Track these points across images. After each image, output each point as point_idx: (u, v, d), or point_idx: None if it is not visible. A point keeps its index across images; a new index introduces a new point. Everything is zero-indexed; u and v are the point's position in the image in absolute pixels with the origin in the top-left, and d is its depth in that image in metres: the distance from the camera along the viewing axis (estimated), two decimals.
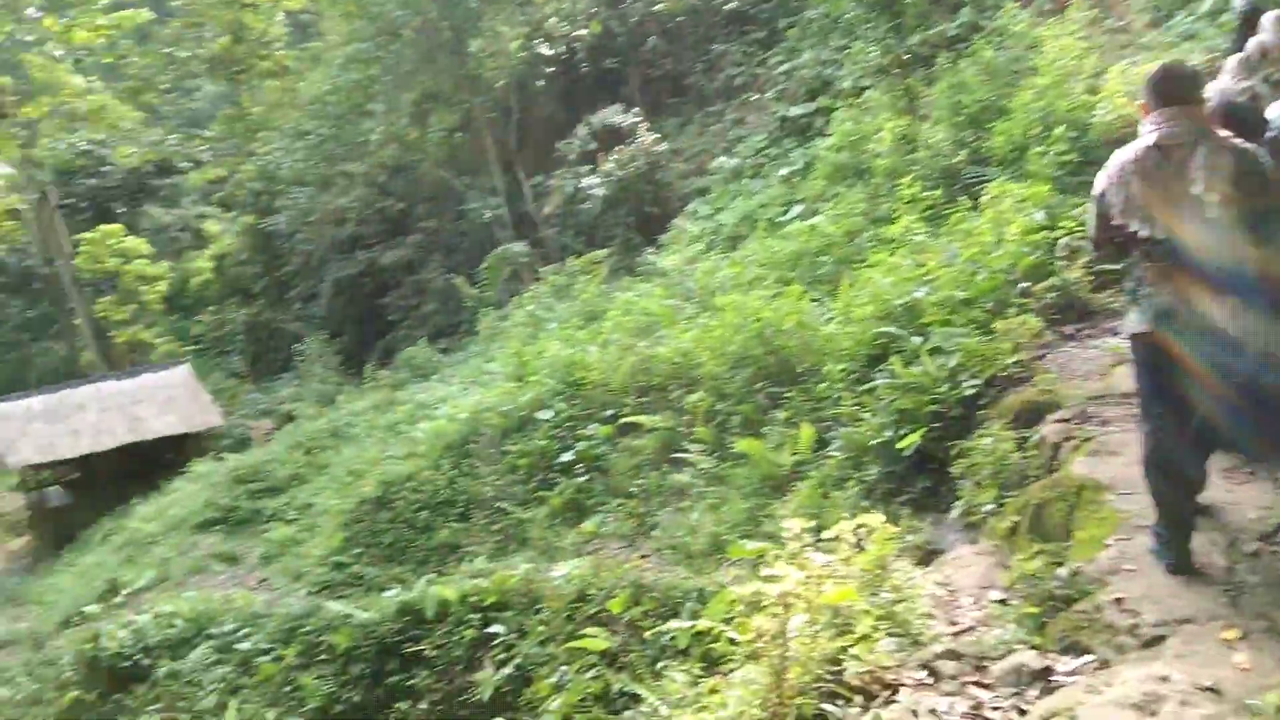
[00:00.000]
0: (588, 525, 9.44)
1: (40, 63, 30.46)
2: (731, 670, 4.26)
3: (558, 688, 6.62)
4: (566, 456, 10.55)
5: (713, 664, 5.70)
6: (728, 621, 5.76)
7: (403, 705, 8.20)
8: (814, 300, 10.18)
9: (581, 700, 6.17)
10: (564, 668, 6.77)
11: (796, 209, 14.95)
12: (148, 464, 19.41)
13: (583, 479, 10.18)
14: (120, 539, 14.65)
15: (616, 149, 21.91)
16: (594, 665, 6.64)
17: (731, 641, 4.75)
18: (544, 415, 11.31)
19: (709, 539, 7.87)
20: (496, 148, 24.92)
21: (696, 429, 9.44)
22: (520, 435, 11.29)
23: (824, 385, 8.44)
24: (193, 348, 32.00)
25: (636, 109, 22.93)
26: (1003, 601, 4.33)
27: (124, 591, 11.46)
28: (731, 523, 7.84)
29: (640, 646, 6.58)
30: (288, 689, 8.81)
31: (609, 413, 10.85)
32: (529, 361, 12.86)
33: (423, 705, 8.15)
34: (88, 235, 30.66)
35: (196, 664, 9.27)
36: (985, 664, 3.72)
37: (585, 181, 22.11)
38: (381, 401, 16.85)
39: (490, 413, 11.70)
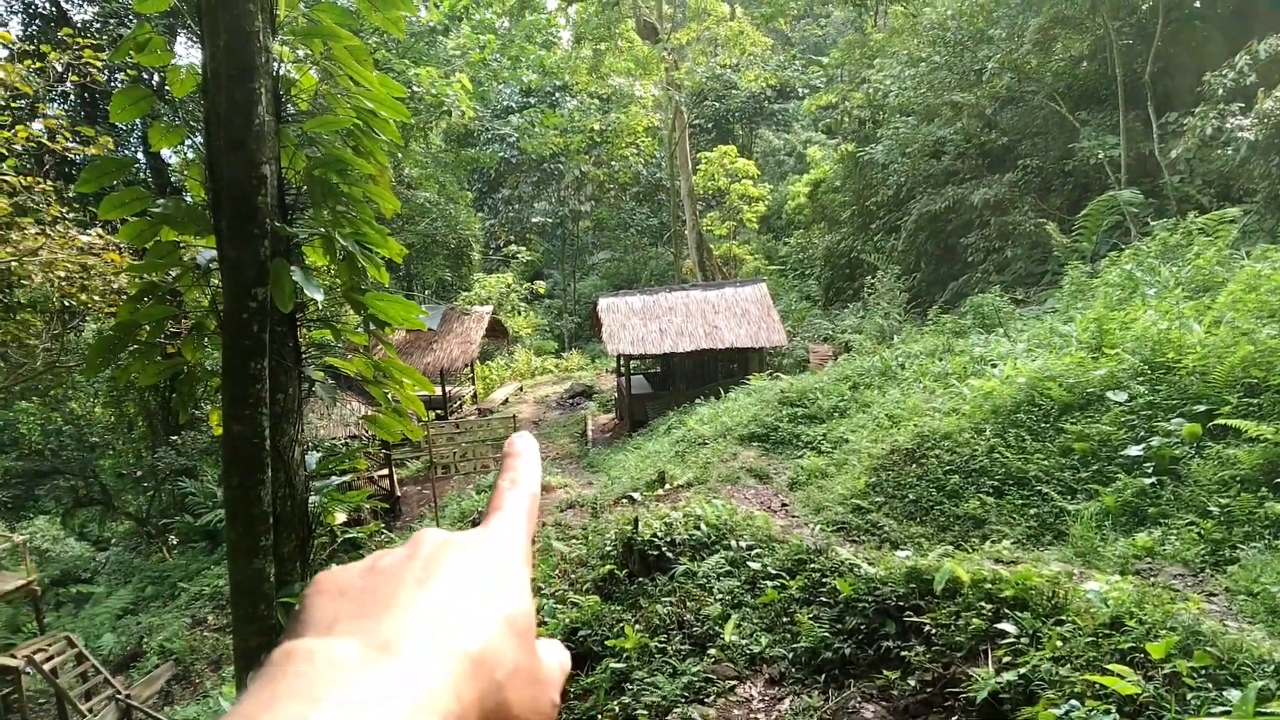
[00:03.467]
0: (1144, 538, 7.84)
1: None
2: None
3: None
4: (1134, 450, 8.88)
5: None
6: None
7: (891, 674, 7.70)
8: None
9: None
10: (1074, 702, 5.68)
11: None
12: (716, 369, 21.08)
13: (1149, 481, 8.49)
14: (679, 434, 16.07)
15: None
16: (1110, 711, 5.46)
17: None
18: (1116, 396, 9.65)
19: None
20: (1125, 80, 21.82)
21: None
22: (1082, 415, 9.79)
23: None
24: (777, 267, 34.01)
25: None
26: None
27: (669, 484, 12.49)
28: None
29: (1178, 709, 5.23)
30: (785, 619, 8.84)
31: (1200, 409, 8.88)
32: (1111, 330, 11.07)
33: (911, 681, 7.56)
34: (707, 154, 33.88)
35: (710, 570, 9.70)
36: None
37: (1232, 122, 18.33)
38: (938, 347, 16.01)
39: (1053, 382, 10.31)
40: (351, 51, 5.22)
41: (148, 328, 5.90)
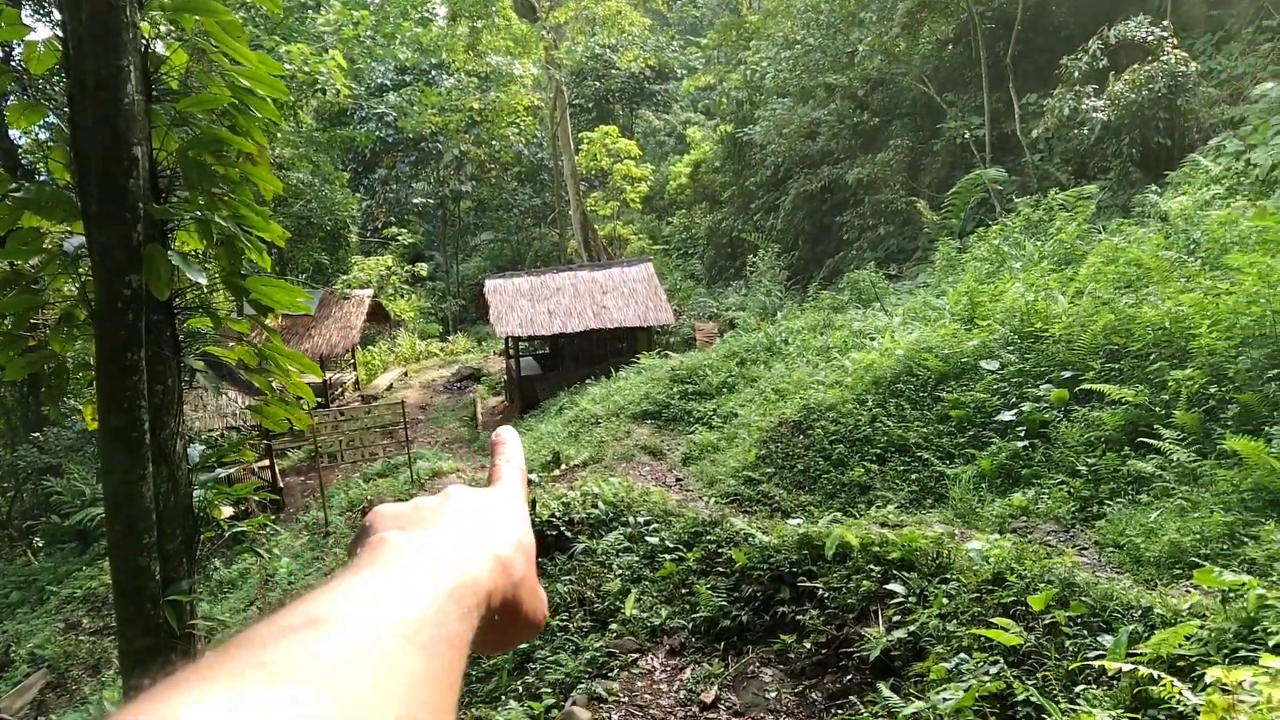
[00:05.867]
0: (1018, 497, 8.30)
1: None
2: None
3: (952, 675, 5.87)
4: (1007, 415, 9.38)
5: (1142, 706, 4.62)
6: (1175, 668, 4.61)
7: (787, 638, 7.95)
8: None
9: (978, 699, 5.36)
10: (963, 655, 5.98)
11: None
12: (605, 349, 21.15)
13: (1022, 444, 8.98)
14: (571, 414, 16.08)
15: (1131, 68, 18.85)
16: (998, 662, 5.78)
17: (1179, 696, 3.69)
18: (989, 365, 10.16)
19: (1169, 548, 6.45)
20: (989, 62, 22.80)
21: (1177, 412, 7.81)
22: (957, 383, 10.27)
23: None
24: (660, 247, 34.26)
25: (1166, 22, 19.48)
26: None
27: (565, 465, 12.51)
28: (1202, 535, 6.35)
29: (1057, 656, 5.58)
30: (684, 591, 9.00)
31: (1067, 374, 9.43)
32: (982, 303, 11.62)
33: (807, 644, 7.82)
34: (588, 134, 33.76)
35: (610, 547, 9.78)
36: None
37: (1086, 103, 19.37)
38: (818, 323, 16.49)
39: (929, 354, 10.76)
40: (226, 27, 4.98)
41: (11, 319, 5.53)
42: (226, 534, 8.26)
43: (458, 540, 0.59)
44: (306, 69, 17.99)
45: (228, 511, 8.91)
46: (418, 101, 28.56)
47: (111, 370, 4.76)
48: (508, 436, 0.79)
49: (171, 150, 5.21)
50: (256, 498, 9.34)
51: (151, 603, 5.52)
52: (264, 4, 5.37)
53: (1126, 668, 4.00)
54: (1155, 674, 3.68)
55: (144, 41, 5.13)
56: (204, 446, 7.60)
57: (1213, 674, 3.96)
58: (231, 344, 5.85)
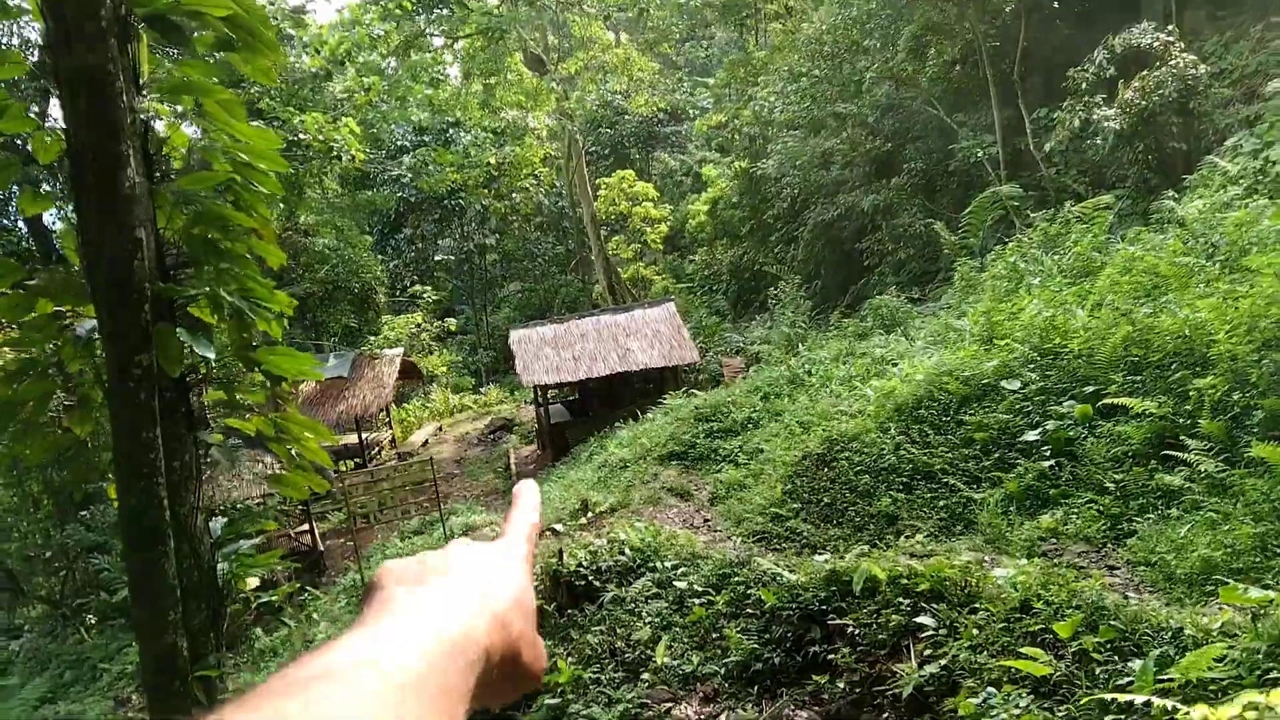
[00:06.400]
0: (1047, 519, 8.15)
1: (580, 21, 33.98)
2: None
3: (981, 710, 5.73)
4: (1031, 435, 9.23)
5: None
6: (1206, 691, 4.48)
7: (820, 679, 7.81)
8: None
9: None
10: (990, 689, 5.85)
11: None
12: (632, 392, 21.19)
13: (1048, 464, 8.83)
14: (600, 459, 16.09)
15: (1140, 74, 18.76)
16: (1029, 694, 5.64)
17: None
18: (1010, 385, 10.03)
19: (1199, 563, 6.30)
20: (997, 80, 22.80)
21: (1202, 421, 7.65)
22: (980, 405, 10.14)
23: None
24: (684, 285, 34.39)
25: (1171, 27, 19.38)
26: None
27: (592, 512, 12.48)
28: (1232, 548, 6.20)
29: (1088, 684, 5.43)
30: (714, 636, 8.90)
31: (1089, 389, 9.28)
32: (1000, 321, 11.50)
33: (840, 684, 7.68)
34: (606, 180, 34.13)
35: (638, 594, 9.71)
36: None
37: (1097, 113, 19.26)
38: (841, 351, 16.40)
39: (949, 377, 10.66)
40: (224, 105, 5.13)
41: (31, 405, 5.66)
42: (254, 605, 8.36)
43: (458, 597, 0.62)
44: (321, 137, 18.41)
45: (254, 583, 9.01)
46: (432, 161, 29.06)
47: (127, 449, 4.86)
48: (524, 489, 0.83)
49: (178, 228, 5.36)
50: (283, 566, 9.43)
51: (181, 679, 5.57)
52: (259, 78, 5.52)
53: (1140, 700, 3.89)
54: (1171, 705, 3.58)
55: (144, 124, 5.29)
56: (227, 519, 7.69)
57: (1238, 702, 3.85)
58: (248, 415, 5.95)
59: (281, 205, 21.36)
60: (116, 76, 4.54)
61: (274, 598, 8.25)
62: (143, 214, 4.81)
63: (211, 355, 5.11)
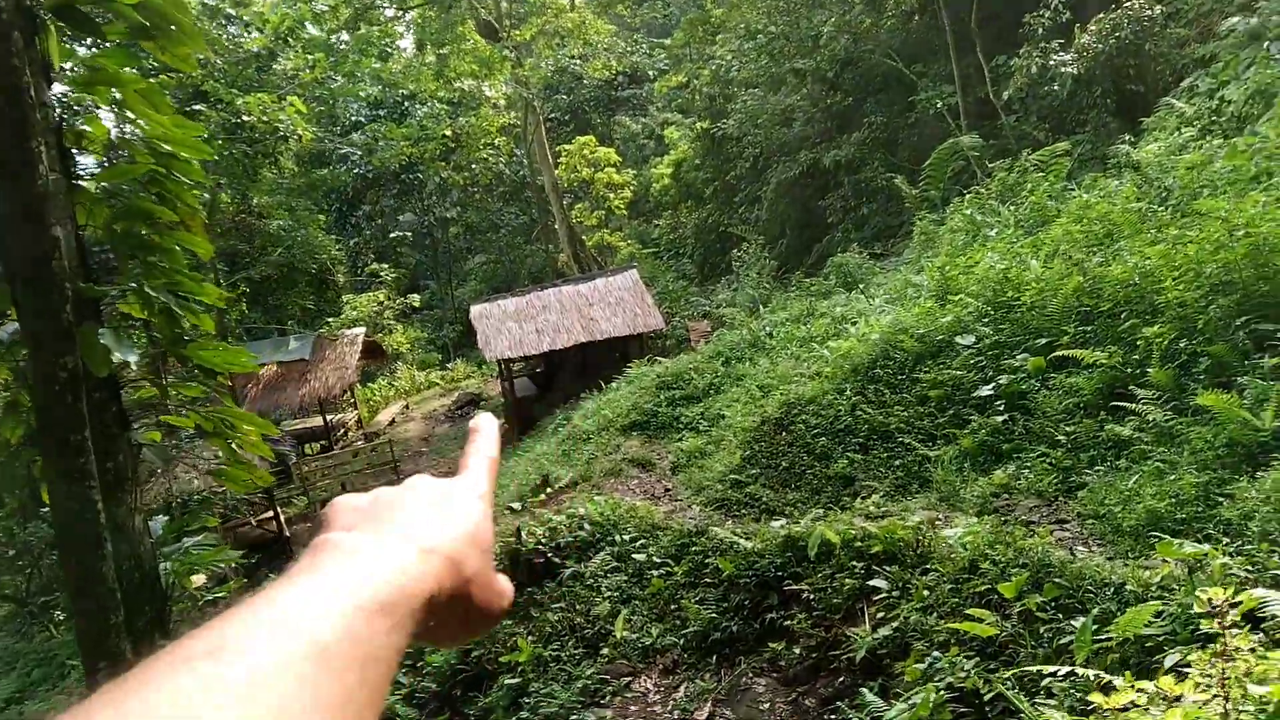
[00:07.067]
0: (1000, 474, 8.06)
1: None
2: None
3: (927, 675, 5.65)
4: (985, 390, 9.13)
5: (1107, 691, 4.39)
6: (1142, 648, 4.39)
7: (777, 645, 7.76)
8: None
9: (943, 702, 5.13)
10: (936, 652, 5.76)
11: None
12: (599, 362, 20.99)
13: (1001, 419, 8.74)
14: (564, 433, 15.90)
15: (1096, 18, 18.57)
16: (973, 657, 5.55)
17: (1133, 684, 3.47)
18: (964, 340, 9.91)
19: (1145, 514, 6.22)
20: (954, 29, 22.50)
21: (1151, 370, 7.56)
22: (934, 362, 10.02)
23: None
24: (650, 250, 34.07)
25: None
26: None
27: (553, 487, 12.32)
28: (1176, 497, 6.11)
29: (1033, 644, 5.35)
30: (673, 607, 8.82)
31: (1042, 342, 9.18)
32: (955, 276, 11.36)
33: (796, 650, 7.63)
34: (566, 147, 33.65)
35: (597, 568, 9.61)
36: None
37: (1054, 59, 19.06)
38: (802, 312, 16.24)
39: (905, 335, 10.52)
40: (144, 94, 4.89)
41: None
42: (200, 604, 8.17)
43: (404, 539, 0.58)
44: (266, 119, 17.91)
45: (200, 579, 8.80)
46: (383, 136, 28.45)
47: (56, 454, 4.71)
48: (483, 426, 0.78)
49: (100, 224, 5.14)
50: (231, 563, 9.18)
51: None
52: (179, 65, 5.29)
53: (1062, 673, 3.77)
54: (1096, 674, 3.46)
55: (57, 118, 5.05)
56: (168, 517, 7.46)
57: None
58: (184, 411, 5.76)
59: (212, 191, 20.81)
60: (23, 71, 4.32)
61: (225, 593, 8.04)
62: (60, 212, 4.64)
63: (134, 358, 4.94)
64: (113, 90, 4.89)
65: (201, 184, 5.50)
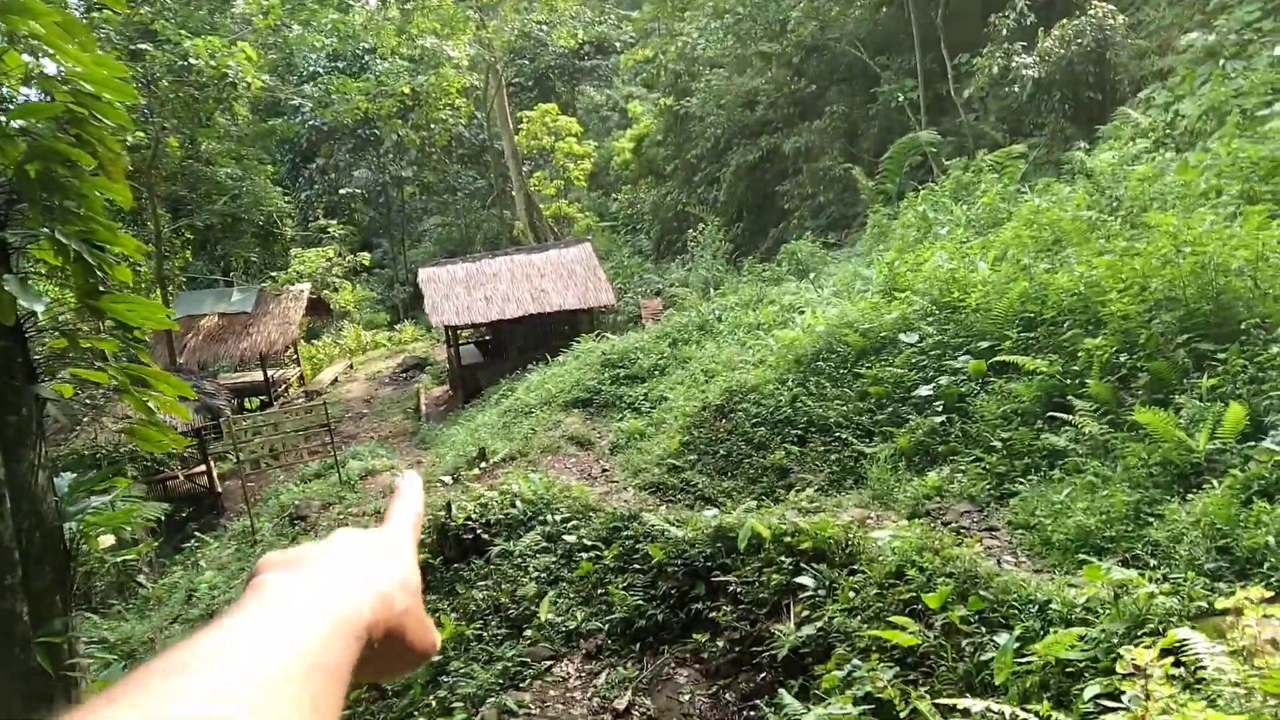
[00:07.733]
0: (933, 477, 8.05)
1: None
2: None
3: (845, 682, 5.59)
4: (925, 390, 9.12)
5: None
6: (1063, 673, 4.35)
7: (701, 637, 7.69)
8: None
9: (869, 709, 5.08)
10: (857, 660, 5.70)
11: None
12: (547, 334, 20.76)
13: (939, 420, 8.73)
14: (506, 405, 15.70)
15: (1060, 23, 18.68)
16: (893, 666, 5.50)
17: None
18: (908, 338, 9.89)
19: (1075, 529, 6.22)
20: (920, 24, 22.47)
21: (1089, 382, 7.57)
22: (877, 359, 9.99)
23: (1278, 350, 6.20)
24: (608, 223, 33.77)
25: None
26: None
27: (489, 460, 12.13)
28: (1107, 514, 6.11)
29: (954, 658, 5.31)
30: (600, 591, 8.72)
31: (984, 345, 9.17)
32: (903, 273, 11.33)
33: (720, 642, 7.57)
34: (528, 114, 33.10)
35: (527, 548, 9.46)
36: None
37: (1017, 60, 19.13)
38: (751, 298, 16.15)
39: (849, 329, 10.47)
40: (64, 26, 4.58)
41: None
42: (108, 565, 7.84)
43: (337, 576, 0.60)
44: (214, 63, 17.24)
45: (108, 540, 8.46)
46: (337, 89, 27.68)
47: None
48: (407, 486, 0.81)
49: (9, 163, 4.85)
50: (145, 522, 8.87)
51: (21, 645, 5.14)
52: (111, 3, 4.95)
53: (978, 708, 3.71)
54: (1011, 711, 3.39)
55: None
56: (74, 474, 7.11)
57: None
58: (98, 365, 5.49)
59: (158, 135, 20.03)
60: None
61: (134, 555, 7.70)
62: None
63: (40, 307, 4.68)
64: (29, 21, 4.56)
65: (125, 127, 5.20)
